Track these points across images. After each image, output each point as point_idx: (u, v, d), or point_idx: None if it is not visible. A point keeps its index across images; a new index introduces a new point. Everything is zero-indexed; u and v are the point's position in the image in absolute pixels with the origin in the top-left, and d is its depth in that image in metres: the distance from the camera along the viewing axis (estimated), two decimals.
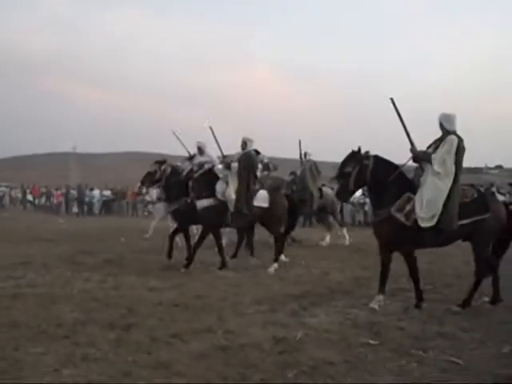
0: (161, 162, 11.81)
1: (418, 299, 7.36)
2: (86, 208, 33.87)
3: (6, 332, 5.88)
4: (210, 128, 10.78)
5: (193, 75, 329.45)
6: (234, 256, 11.77)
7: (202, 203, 10.58)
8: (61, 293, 8.01)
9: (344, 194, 7.74)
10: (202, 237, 10.66)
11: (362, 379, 4.68)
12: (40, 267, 10.42)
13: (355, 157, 7.50)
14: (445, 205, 6.99)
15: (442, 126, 7.31)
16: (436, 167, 7.03)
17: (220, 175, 10.70)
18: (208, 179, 10.71)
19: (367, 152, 7.49)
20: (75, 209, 33.74)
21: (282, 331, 6.02)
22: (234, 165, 10.45)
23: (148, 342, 5.58)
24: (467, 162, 7.62)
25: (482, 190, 8.19)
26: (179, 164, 11.98)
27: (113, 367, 4.83)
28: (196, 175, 10.92)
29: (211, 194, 10.56)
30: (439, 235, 7.18)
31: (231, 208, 10.36)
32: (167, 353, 5.24)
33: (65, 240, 16.57)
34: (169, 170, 11.57)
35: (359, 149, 7.48)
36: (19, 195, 42.89)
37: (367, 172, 7.40)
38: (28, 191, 41.33)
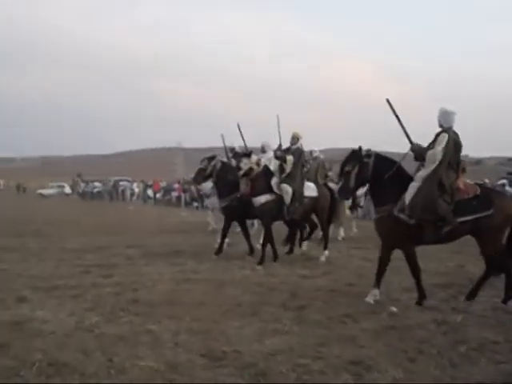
0: (210, 157, 12.09)
1: (420, 297, 7.39)
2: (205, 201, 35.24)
3: (197, 309, 6.85)
4: (238, 125, 11.73)
5: (288, 72, 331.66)
6: (290, 252, 12.01)
7: (259, 199, 10.87)
8: (225, 278, 8.97)
9: (345, 192, 7.85)
10: (267, 232, 11.07)
11: None
12: (193, 255, 11.50)
13: (355, 155, 7.62)
14: (416, 194, 7.05)
15: (439, 122, 7.38)
16: (425, 166, 7.22)
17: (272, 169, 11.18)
18: (263, 176, 11.02)
19: (368, 150, 7.60)
20: (195, 203, 35.23)
21: (439, 315, 6.66)
22: (290, 158, 10.92)
23: (325, 320, 6.40)
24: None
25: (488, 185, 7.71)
26: (226, 160, 12.28)
27: (304, 339, 5.66)
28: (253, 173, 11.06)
29: (268, 189, 10.89)
30: (439, 232, 7.20)
31: (287, 201, 10.75)
32: (345, 329, 6.03)
33: (197, 231, 17.69)
34: (219, 165, 11.87)
35: (360, 148, 7.62)
36: (138, 189, 45.47)
37: (368, 170, 7.52)
38: (149, 186, 43.66)
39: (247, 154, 11.38)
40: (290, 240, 12.30)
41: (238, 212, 11.67)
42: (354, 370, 4.78)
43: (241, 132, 12.03)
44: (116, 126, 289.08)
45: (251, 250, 11.83)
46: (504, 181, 25.28)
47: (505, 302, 7.32)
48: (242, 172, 11.04)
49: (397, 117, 7.47)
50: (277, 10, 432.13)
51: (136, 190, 45.80)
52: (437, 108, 7.36)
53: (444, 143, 7.12)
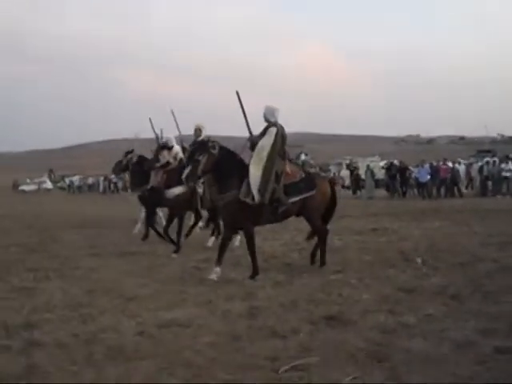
0: (129, 151, 13.10)
1: (254, 272, 8.24)
2: None
3: (307, 270, 8.86)
4: (172, 112, 12.31)
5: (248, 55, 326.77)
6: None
7: (173, 191, 11.03)
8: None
9: (193, 177, 8.46)
10: (171, 220, 11.71)
11: None
12: None
13: (204, 146, 8.30)
14: (262, 183, 7.95)
15: (265, 117, 8.34)
16: (254, 154, 8.21)
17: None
18: (178, 170, 10.60)
19: (214, 142, 8.28)
20: None
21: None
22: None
23: (363, 272, 8.63)
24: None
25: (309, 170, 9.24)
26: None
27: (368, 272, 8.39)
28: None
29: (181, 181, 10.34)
30: (276, 212, 8.24)
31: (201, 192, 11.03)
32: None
33: None
34: (135, 158, 12.75)
35: (208, 139, 8.57)
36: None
37: (214, 159, 8.12)
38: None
39: (169, 147, 11.68)
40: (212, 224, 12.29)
41: (150, 201, 12.39)
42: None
43: (175, 118, 12.39)
44: (72, 118, 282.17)
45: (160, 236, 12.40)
46: None
47: (321, 264, 8.89)
48: (158, 164, 11.42)
49: (242, 108, 8.40)
50: None
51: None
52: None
53: (273, 136, 8.14)
